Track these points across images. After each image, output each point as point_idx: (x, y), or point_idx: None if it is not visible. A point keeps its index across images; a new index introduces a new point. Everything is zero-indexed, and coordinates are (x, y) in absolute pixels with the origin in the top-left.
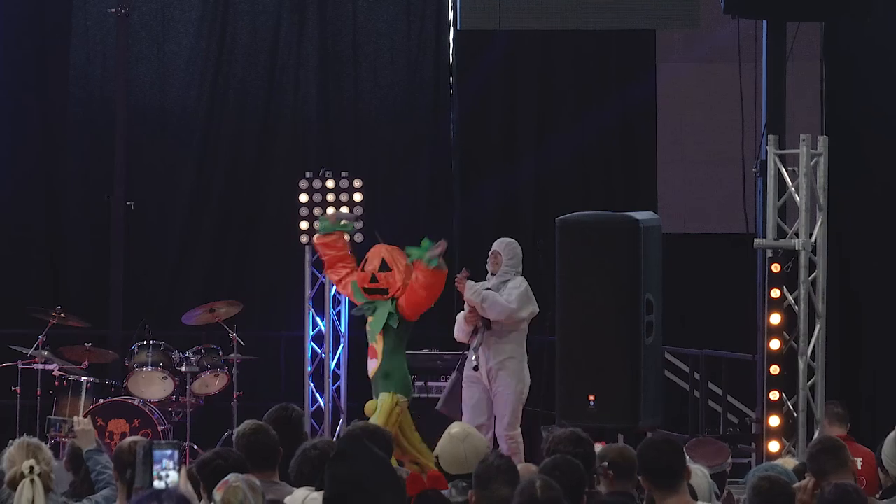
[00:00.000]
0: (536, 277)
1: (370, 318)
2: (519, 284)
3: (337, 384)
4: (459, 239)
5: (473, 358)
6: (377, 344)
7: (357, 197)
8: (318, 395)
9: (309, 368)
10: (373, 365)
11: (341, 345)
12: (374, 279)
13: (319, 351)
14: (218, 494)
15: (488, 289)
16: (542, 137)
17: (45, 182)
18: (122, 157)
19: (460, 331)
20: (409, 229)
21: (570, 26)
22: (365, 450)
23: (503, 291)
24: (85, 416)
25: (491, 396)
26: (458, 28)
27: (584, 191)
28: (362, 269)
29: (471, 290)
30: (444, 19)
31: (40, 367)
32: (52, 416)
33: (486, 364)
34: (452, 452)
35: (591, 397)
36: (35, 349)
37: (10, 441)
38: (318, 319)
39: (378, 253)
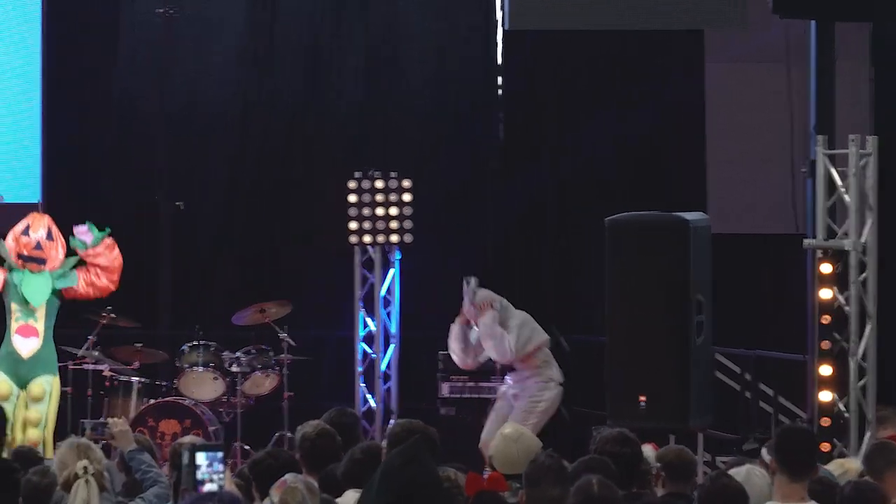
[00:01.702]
0: (585, 277)
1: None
2: (515, 318)
3: (388, 384)
4: (504, 238)
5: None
6: (37, 322)
7: (406, 197)
8: (368, 396)
9: (360, 369)
10: (33, 344)
11: (392, 345)
12: (39, 246)
13: (370, 351)
14: (276, 494)
15: None
16: (591, 136)
17: (90, 181)
18: (168, 157)
19: (459, 349)
20: (450, 229)
21: (619, 26)
22: (430, 455)
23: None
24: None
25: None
26: (506, 28)
27: (633, 191)
28: (24, 234)
29: (490, 318)
30: (491, 19)
31: (91, 367)
32: (86, 420)
33: (511, 390)
34: (505, 452)
35: (642, 398)
36: (85, 349)
37: (58, 443)
38: (368, 320)
39: (42, 221)
